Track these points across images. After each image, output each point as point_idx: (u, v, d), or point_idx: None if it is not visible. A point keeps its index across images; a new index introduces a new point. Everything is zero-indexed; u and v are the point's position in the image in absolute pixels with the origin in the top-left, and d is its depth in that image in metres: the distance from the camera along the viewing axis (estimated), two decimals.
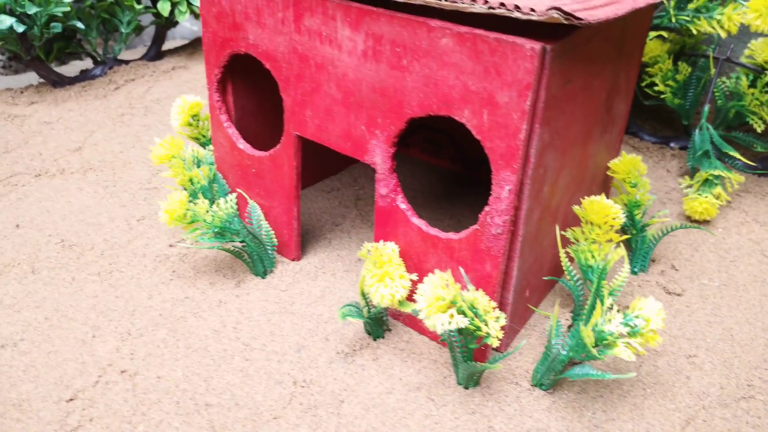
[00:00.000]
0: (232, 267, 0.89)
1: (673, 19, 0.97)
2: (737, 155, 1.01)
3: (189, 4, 1.40)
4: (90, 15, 1.34)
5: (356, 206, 1.04)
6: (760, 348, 0.78)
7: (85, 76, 1.39)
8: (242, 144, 0.88)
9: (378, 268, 0.68)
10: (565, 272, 0.77)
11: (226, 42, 0.82)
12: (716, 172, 0.99)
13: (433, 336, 0.77)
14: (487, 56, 0.59)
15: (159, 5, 1.36)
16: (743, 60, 1.03)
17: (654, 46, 1.05)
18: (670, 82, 1.05)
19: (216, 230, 0.83)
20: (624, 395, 0.71)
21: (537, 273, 0.77)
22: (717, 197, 1.00)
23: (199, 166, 0.90)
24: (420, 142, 1.17)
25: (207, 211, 0.82)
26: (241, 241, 0.84)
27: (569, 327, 0.79)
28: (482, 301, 0.63)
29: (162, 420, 0.66)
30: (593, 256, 0.76)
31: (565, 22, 0.54)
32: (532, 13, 0.55)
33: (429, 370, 0.73)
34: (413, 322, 0.79)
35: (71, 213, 1.00)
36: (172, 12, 1.40)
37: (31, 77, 1.82)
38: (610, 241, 0.76)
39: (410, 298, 0.72)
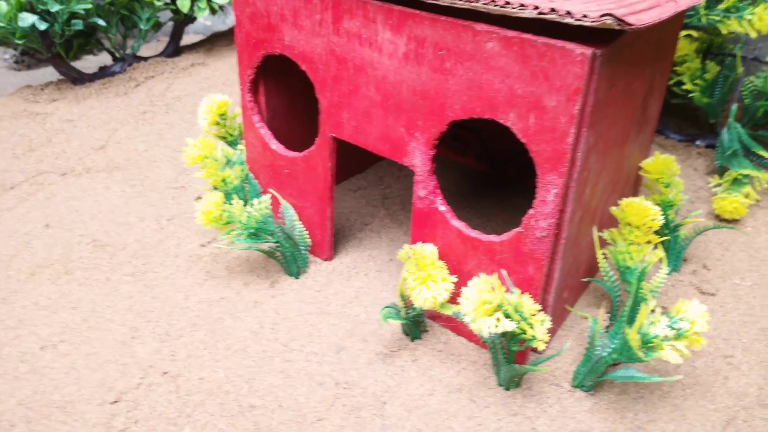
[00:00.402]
0: (265, 267, 0.89)
1: (703, 19, 0.97)
2: (766, 154, 1.01)
3: (208, 0, 1.39)
4: (110, 12, 1.34)
5: (384, 205, 1.04)
6: None
7: (104, 73, 1.39)
8: (275, 144, 0.88)
9: (421, 271, 0.69)
10: (603, 273, 0.78)
11: (260, 43, 0.82)
12: (745, 171, 0.99)
13: (470, 337, 0.77)
14: (534, 60, 0.59)
15: (179, 2, 1.35)
16: None
17: (682, 45, 1.05)
18: (698, 81, 1.05)
19: (251, 231, 0.83)
20: (664, 396, 0.72)
21: (575, 274, 0.77)
22: (746, 196, 1.00)
23: (230, 167, 0.90)
24: (447, 140, 1.17)
25: (242, 212, 0.82)
26: (275, 242, 0.84)
27: (607, 328, 0.79)
28: (527, 304, 0.64)
29: (207, 422, 0.67)
30: (631, 258, 0.76)
31: (618, 28, 0.54)
32: (585, 19, 0.54)
33: (469, 371, 0.73)
34: (450, 324, 0.79)
35: (100, 212, 1.00)
36: (190, 8, 1.40)
37: (45, 72, 1.81)
38: (649, 242, 0.76)
39: (450, 300, 0.72)
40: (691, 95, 1.07)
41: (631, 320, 0.70)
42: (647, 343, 0.64)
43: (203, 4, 1.38)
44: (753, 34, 0.94)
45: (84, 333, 0.78)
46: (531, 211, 0.65)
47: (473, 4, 0.60)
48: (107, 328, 0.78)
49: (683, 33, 1.05)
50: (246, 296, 0.84)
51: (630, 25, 0.55)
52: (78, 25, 1.25)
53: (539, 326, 0.63)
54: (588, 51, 0.56)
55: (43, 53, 1.27)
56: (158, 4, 1.37)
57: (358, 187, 1.08)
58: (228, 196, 0.88)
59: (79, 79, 1.35)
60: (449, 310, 0.70)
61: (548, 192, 0.63)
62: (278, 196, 0.90)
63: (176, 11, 1.43)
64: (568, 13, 0.55)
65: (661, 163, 0.88)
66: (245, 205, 0.87)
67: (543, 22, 0.59)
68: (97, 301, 0.83)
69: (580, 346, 0.77)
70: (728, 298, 0.86)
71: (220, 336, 0.77)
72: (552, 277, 0.69)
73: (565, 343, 0.77)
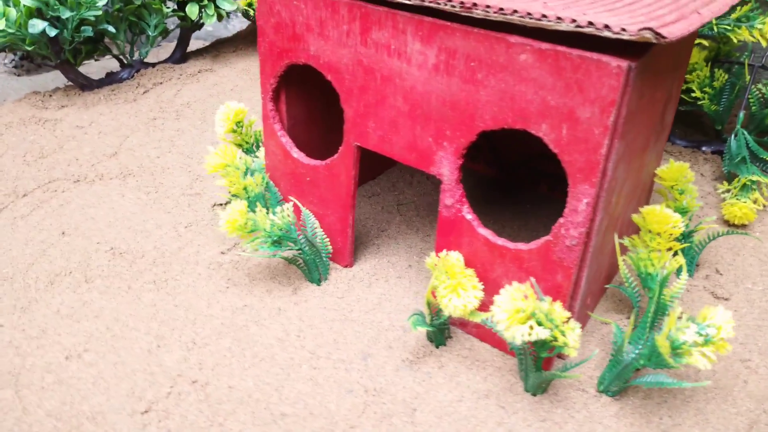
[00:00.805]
0: (286, 274, 0.89)
1: (715, 28, 0.99)
2: None
3: (216, 7, 1.39)
4: (118, 18, 1.33)
5: (399, 211, 1.04)
6: None
7: (112, 79, 1.39)
8: (296, 153, 0.89)
9: (451, 279, 0.69)
10: (624, 280, 0.79)
11: (284, 52, 0.82)
12: (754, 177, 1.01)
13: (495, 343, 0.78)
14: (569, 72, 0.60)
15: (187, 8, 1.36)
16: None
17: (692, 54, 1.07)
18: (707, 89, 1.07)
19: (275, 239, 0.83)
20: (687, 400, 0.73)
21: (597, 280, 0.79)
22: (755, 202, 1.02)
23: (251, 174, 0.91)
24: None
25: (266, 220, 0.82)
26: (297, 249, 0.85)
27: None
28: (558, 311, 0.65)
29: (240, 431, 0.67)
30: (653, 264, 0.77)
31: (655, 41, 0.55)
32: (623, 33, 0.56)
33: (495, 377, 0.74)
34: (474, 330, 0.80)
35: (116, 220, 1.00)
36: (198, 15, 1.40)
37: (47, 78, 1.80)
38: (670, 249, 0.78)
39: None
40: (700, 103, 1.09)
41: (652, 326, 0.71)
42: (676, 349, 0.65)
43: (211, 11, 1.38)
44: (764, 43, 0.96)
45: (109, 342, 0.78)
46: (561, 220, 0.66)
47: (508, 17, 0.61)
48: (132, 336, 0.78)
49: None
50: (269, 303, 0.84)
51: (665, 38, 0.56)
52: (87, 31, 1.25)
53: (571, 333, 0.64)
54: (624, 63, 0.57)
55: (51, 60, 1.27)
56: (167, 10, 1.36)
57: (372, 194, 1.09)
58: (250, 204, 0.88)
59: (87, 85, 1.35)
60: (478, 318, 0.70)
61: (580, 201, 0.64)
62: (299, 204, 0.90)
63: (183, 18, 1.43)
64: (606, 26, 0.56)
65: (676, 170, 0.90)
66: (267, 213, 0.88)
67: (572, 33, 0.61)
68: (119, 309, 0.82)
69: (602, 351, 0.78)
70: (742, 302, 0.88)
71: (246, 344, 0.78)
72: (579, 284, 0.71)
73: (591, 349, 0.79)
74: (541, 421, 0.69)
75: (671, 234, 0.77)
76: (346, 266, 0.91)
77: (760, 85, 1.07)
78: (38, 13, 1.19)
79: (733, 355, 0.79)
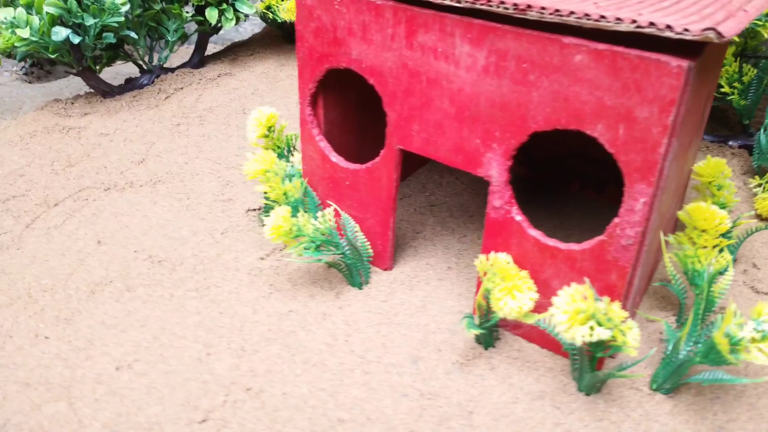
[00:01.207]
0: (327, 278, 0.89)
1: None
2: None
3: (235, 11, 1.39)
4: (138, 24, 1.33)
5: (431, 213, 1.04)
6: None
7: (133, 85, 1.38)
8: (335, 157, 0.89)
9: (506, 281, 0.69)
10: (670, 277, 0.79)
11: (324, 57, 0.82)
12: None
13: (544, 344, 0.78)
14: (627, 73, 0.60)
15: (207, 12, 1.35)
16: None
17: None
18: (736, 84, 1.07)
19: (318, 243, 0.83)
20: (739, 396, 0.73)
21: (644, 278, 0.79)
22: None
23: (289, 180, 0.91)
24: None
25: (309, 225, 0.82)
26: (339, 254, 0.85)
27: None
28: (617, 311, 0.65)
29: None
30: (700, 261, 0.77)
31: (717, 41, 0.55)
32: (686, 33, 0.56)
33: (547, 378, 0.74)
34: (522, 331, 0.80)
35: (151, 227, 0.99)
36: (218, 19, 1.39)
37: (60, 85, 1.79)
38: (717, 246, 0.78)
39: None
40: (729, 98, 1.09)
41: (697, 321, 0.71)
42: (734, 346, 0.65)
43: (230, 15, 1.38)
44: None
45: (157, 351, 0.77)
46: (616, 220, 0.66)
47: (564, 18, 0.61)
48: (180, 345, 0.78)
49: None
50: (314, 308, 0.84)
51: (723, 37, 0.56)
52: (109, 38, 1.24)
53: (630, 333, 0.64)
54: (684, 63, 0.57)
55: (73, 67, 1.26)
56: (186, 15, 1.36)
57: (403, 195, 1.09)
58: (291, 210, 0.88)
59: (108, 92, 1.34)
60: (532, 319, 0.71)
61: (636, 201, 0.64)
62: (338, 208, 0.90)
63: (201, 22, 1.42)
64: (669, 26, 0.56)
65: (714, 166, 0.90)
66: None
67: (627, 33, 0.61)
68: (164, 318, 0.82)
69: (649, 348, 0.78)
70: None
71: (295, 350, 0.77)
72: (632, 283, 0.71)
73: (653, 348, 0.78)
74: (597, 421, 0.69)
75: (718, 230, 0.78)
76: (385, 269, 0.91)
77: None
78: (60, 21, 1.19)
79: None
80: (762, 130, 1.06)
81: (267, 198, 0.94)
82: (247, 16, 1.45)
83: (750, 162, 1.15)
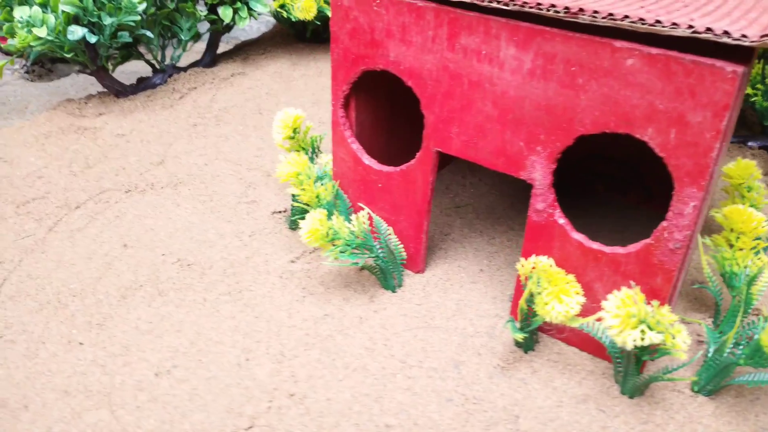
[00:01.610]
0: (360, 282, 0.89)
1: None
2: None
3: (249, 10, 1.37)
4: (152, 22, 1.31)
5: (458, 214, 1.04)
6: None
7: (146, 84, 1.36)
8: (368, 159, 0.88)
9: (553, 285, 0.69)
10: (707, 279, 0.79)
11: (360, 59, 0.82)
12: None
13: (584, 347, 0.78)
14: (680, 77, 0.60)
15: (221, 11, 1.34)
16: None
17: None
18: (759, 86, 1.08)
19: (353, 247, 0.82)
20: None
21: (682, 281, 0.79)
22: None
23: (320, 182, 0.90)
24: None
25: (344, 228, 0.82)
26: (373, 257, 0.84)
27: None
28: (667, 315, 0.65)
29: None
30: (737, 264, 0.78)
31: None
32: (744, 39, 0.56)
33: (589, 381, 0.74)
34: (561, 334, 0.80)
35: (176, 230, 0.98)
36: (233, 18, 1.38)
37: (65, 83, 1.77)
38: (754, 248, 0.78)
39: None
40: (752, 99, 1.10)
41: (732, 323, 0.72)
42: None
43: (244, 13, 1.36)
44: None
45: (195, 357, 0.76)
46: (664, 223, 0.66)
47: (618, 22, 0.61)
48: (218, 350, 0.77)
49: None
50: (349, 312, 0.83)
51: None
52: (124, 37, 1.22)
53: (680, 336, 0.64)
54: (739, 69, 0.57)
55: (88, 66, 1.24)
56: (201, 13, 1.34)
57: None
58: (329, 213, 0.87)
59: (122, 91, 1.33)
60: (577, 323, 0.70)
61: (686, 205, 0.64)
62: (369, 211, 0.89)
63: (214, 21, 1.41)
64: (726, 32, 0.56)
65: (743, 167, 0.90)
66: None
67: (678, 38, 0.61)
68: (199, 323, 0.81)
69: (689, 350, 0.79)
70: None
71: (335, 354, 0.77)
72: (676, 286, 0.71)
73: (699, 352, 0.79)
74: (642, 424, 0.70)
75: (755, 233, 0.78)
76: (417, 272, 0.91)
77: None
78: (74, 20, 1.17)
79: None
80: None
81: (296, 201, 0.93)
82: (259, 14, 1.44)
83: None
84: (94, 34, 1.17)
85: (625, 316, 0.63)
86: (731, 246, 0.80)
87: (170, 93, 1.35)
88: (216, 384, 0.73)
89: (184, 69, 1.43)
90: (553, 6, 0.64)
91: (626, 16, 0.60)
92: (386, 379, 0.74)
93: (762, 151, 1.18)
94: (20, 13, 1.12)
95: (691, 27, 0.58)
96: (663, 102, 0.62)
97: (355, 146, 0.89)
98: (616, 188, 1.09)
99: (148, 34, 1.26)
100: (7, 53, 1.77)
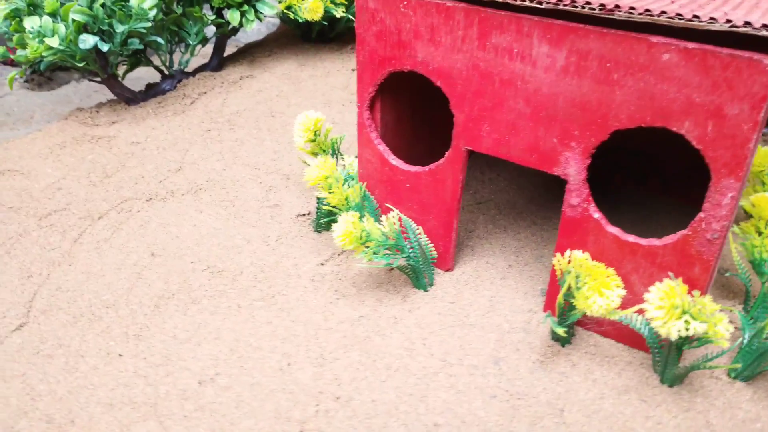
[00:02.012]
0: (391, 282, 0.89)
1: None
2: None
3: (256, 12, 1.37)
4: (161, 28, 1.31)
5: (480, 210, 1.05)
6: None
7: (156, 91, 1.36)
8: (395, 160, 0.88)
9: (593, 279, 0.70)
10: (737, 267, 0.81)
11: (387, 60, 0.82)
12: None
13: (619, 338, 0.79)
14: (717, 71, 0.61)
15: (229, 14, 1.33)
16: None
17: None
18: None
19: (386, 248, 0.83)
20: None
21: (716, 270, 0.80)
22: None
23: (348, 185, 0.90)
24: None
25: (377, 230, 0.82)
26: (405, 257, 0.85)
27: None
28: (710, 304, 0.66)
29: None
30: (767, 251, 0.79)
31: None
32: None
33: (628, 372, 0.75)
34: (596, 327, 0.81)
35: (202, 237, 0.98)
36: (240, 21, 1.37)
37: (68, 91, 1.76)
38: None
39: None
40: None
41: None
42: None
43: (251, 16, 1.36)
44: None
45: (237, 363, 0.77)
46: (701, 215, 0.67)
47: (655, 18, 0.61)
48: (258, 356, 0.78)
49: None
50: (384, 313, 0.84)
51: None
52: (134, 44, 1.22)
53: (722, 324, 0.65)
54: None
55: (99, 75, 1.24)
56: (210, 17, 1.34)
57: None
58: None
59: (132, 99, 1.32)
60: (616, 315, 0.71)
61: (724, 196, 0.65)
62: (397, 211, 0.90)
63: (220, 24, 1.40)
64: (765, 25, 0.57)
65: (763, 155, 0.92)
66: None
67: (712, 32, 0.61)
68: (237, 329, 0.81)
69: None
70: None
71: (375, 355, 0.77)
72: (712, 276, 0.72)
73: (739, 339, 0.79)
74: (685, 412, 0.71)
75: None
76: (447, 270, 0.91)
77: None
78: (84, 28, 1.16)
79: None
80: None
81: (323, 203, 0.93)
82: (265, 16, 1.44)
83: None
84: (104, 42, 1.17)
85: (670, 307, 0.64)
86: (760, 234, 0.81)
87: (181, 98, 1.34)
88: (260, 390, 0.73)
89: (193, 74, 1.43)
90: (588, 3, 0.65)
91: (663, 12, 0.61)
92: (428, 378, 0.74)
93: None
94: (31, 23, 1.11)
95: (729, 21, 0.59)
96: (700, 95, 0.63)
97: (382, 147, 0.89)
98: (633, 179, 1.10)
99: (159, 40, 1.25)
100: (14, 64, 1.76)
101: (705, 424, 0.69)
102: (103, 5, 1.13)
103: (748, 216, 0.86)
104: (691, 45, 0.62)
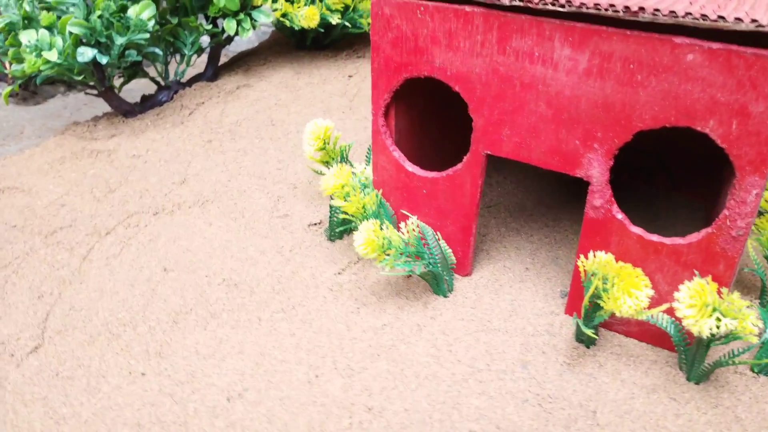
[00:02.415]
0: (410, 288, 0.89)
1: None
2: None
3: (252, 20, 1.36)
4: (157, 39, 1.29)
5: (490, 214, 1.05)
6: None
7: (152, 102, 1.34)
8: (411, 166, 0.88)
9: (620, 280, 0.70)
10: (753, 262, 0.82)
11: (403, 67, 0.82)
12: None
13: (642, 337, 0.80)
14: (742, 70, 0.62)
15: (225, 23, 1.32)
16: None
17: None
18: None
19: (406, 255, 0.83)
20: None
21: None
22: None
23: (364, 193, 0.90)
24: None
25: (397, 237, 0.82)
26: (425, 263, 0.84)
27: None
28: (739, 301, 0.67)
29: None
30: None
31: None
32: None
33: (655, 371, 0.76)
34: (618, 327, 0.81)
35: (214, 250, 0.97)
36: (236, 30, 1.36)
37: (57, 105, 1.72)
38: None
39: None
40: None
41: None
42: None
43: (247, 24, 1.35)
44: None
45: (264, 378, 0.76)
46: (726, 212, 0.68)
47: (680, 20, 0.62)
48: (285, 369, 0.77)
49: None
50: (407, 320, 0.83)
51: None
52: (132, 55, 1.20)
53: (751, 320, 0.66)
54: None
55: (96, 88, 1.21)
56: (207, 27, 1.33)
57: None
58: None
59: (130, 111, 1.30)
60: (644, 315, 0.72)
61: (749, 193, 0.66)
62: (416, 218, 0.89)
63: (214, 34, 1.39)
64: None
65: None
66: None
67: (734, 31, 0.62)
68: (260, 343, 0.80)
69: None
70: None
71: (402, 364, 0.77)
72: (736, 272, 0.73)
73: (766, 333, 0.80)
74: (713, 408, 0.71)
75: None
76: (465, 275, 0.91)
77: None
78: (80, 41, 1.14)
79: None
80: None
81: (340, 212, 0.93)
82: (261, 25, 1.43)
83: None
84: (103, 54, 1.15)
85: (701, 305, 0.65)
86: None
87: (179, 110, 1.32)
88: (291, 404, 0.72)
89: (188, 84, 1.41)
90: (612, 6, 0.65)
91: (689, 13, 0.62)
92: (459, 385, 0.74)
93: None
94: (27, 37, 1.09)
95: (754, 21, 0.59)
96: (724, 95, 0.64)
97: (397, 154, 0.89)
98: (641, 177, 1.11)
99: (157, 51, 1.24)
100: (2, 79, 1.72)
101: (734, 419, 0.70)
102: (100, 17, 1.11)
103: (759, 213, 0.87)
104: (715, 45, 0.62)
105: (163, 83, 1.37)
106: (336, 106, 1.37)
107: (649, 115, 0.68)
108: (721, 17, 0.61)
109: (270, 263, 0.94)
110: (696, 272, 0.72)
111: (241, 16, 1.34)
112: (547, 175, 1.15)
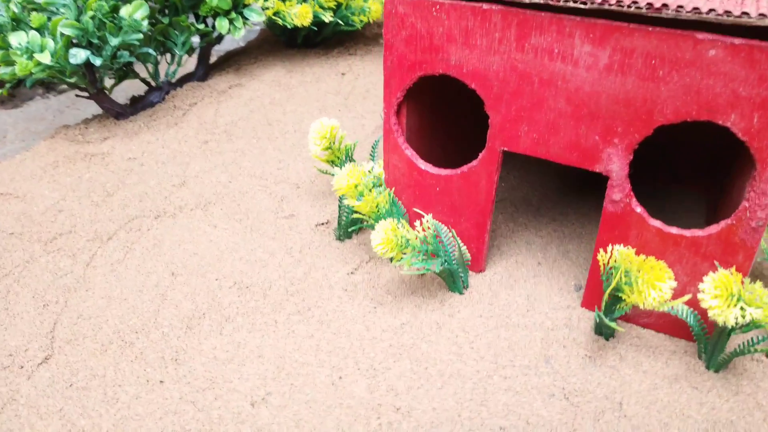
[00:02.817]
0: (425, 286, 0.89)
1: None
2: None
3: (244, 19, 1.34)
4: (149, 39, 1.26)
5: (497, 209, 1.05)
6: None
7: (144, 104, 1.31)
8: (423, 164, 0.88)
9: (644, 273, 0.71)
10: (765, 253, 0.84)
11: (417, 65, 0.81)
12: None
13: (659, 328, 0.81)
14: (764, 64, 0.63)
15: (217, 22, 1.30)
16: None
17: None
18: None
19: (423, 253, 0.82)
20: None
21: None
22: None
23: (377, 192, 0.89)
24: None
25: (413, 236, 0.81)
26: (442, 261, 0.84)
27: None
28: (759, 290, 0.68)
29: None
30: None
31: None
32: None
33: (675, 361, 0.77)
34: (649, 319, 0.82)
35: (222, 253, 0.95)
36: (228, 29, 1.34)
37: (39, 108, 1.67)
38: None
39: None
40: None
41: None
42: None
43: (239, 23, 1.33)
44: None
45: (287, 381, 0.74)
46: (746, 204, 0.69)
47: (704, 16, 0.63)
48: (307, 372, 0.76)
49: None
50: (425, 319, 0.83)
51: None
52: (124, 56, 1.17)
53: None
54: None
55: (89, 90, 1.18)
56: (200, 27, 1.30)
57: None
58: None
59: (122, 113, 1.27)
60: (665, 307, 0.73)
61: None
62: (429, 217, 0.89)
63: (205, 33, 1.37)
64: None
65: None
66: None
67: (750, 27, 0.63)
68: (279, 345, 0.79)
69: None
70: None
71: (425, 362, 0.77)
72: (752, 262, 0.74)
73: None
74: (735, 396, 0.73)
75: None
76: (479, 272, 0.91)
77: None
78: (71, 42, 1.11)
79: None
80: None
81: (352, 211, 0.92)
82: (254, 24, 1.40)
83: None
84: (95, 55, 1.12)
85: (726, 296, 0.66)
86: None
87: (172, 110, 1.30)
88: (317, 407, 0.71)
89: (179, 84, 1.38)
90: (635, 2, 0.66)
91: (712, 9, 0.63)
92: (484, 382, 0.74)
93: None
94: (17, 39, 1.05)
95: None
96: (746, 89, 0.65)
97: (409, 152, 0.88)
98: (644, 170, 1.13)
99: (150, 51, 1.21)
100: None
101: (756, 406, 0.71)
102: (92, 18, 1.08)
103: None
104: (737, 41, 0.63)
105: (154, 84, 1.34)
106: (331, 104, 1.36)
107: (671, 109, 0.69)
108: (745, 13, 0.62)
109: (281, 265, 0.92)
110: (717, 263, 0.73)
111: (233, 14, 1.32)
112: (549, 170, 1.15)
